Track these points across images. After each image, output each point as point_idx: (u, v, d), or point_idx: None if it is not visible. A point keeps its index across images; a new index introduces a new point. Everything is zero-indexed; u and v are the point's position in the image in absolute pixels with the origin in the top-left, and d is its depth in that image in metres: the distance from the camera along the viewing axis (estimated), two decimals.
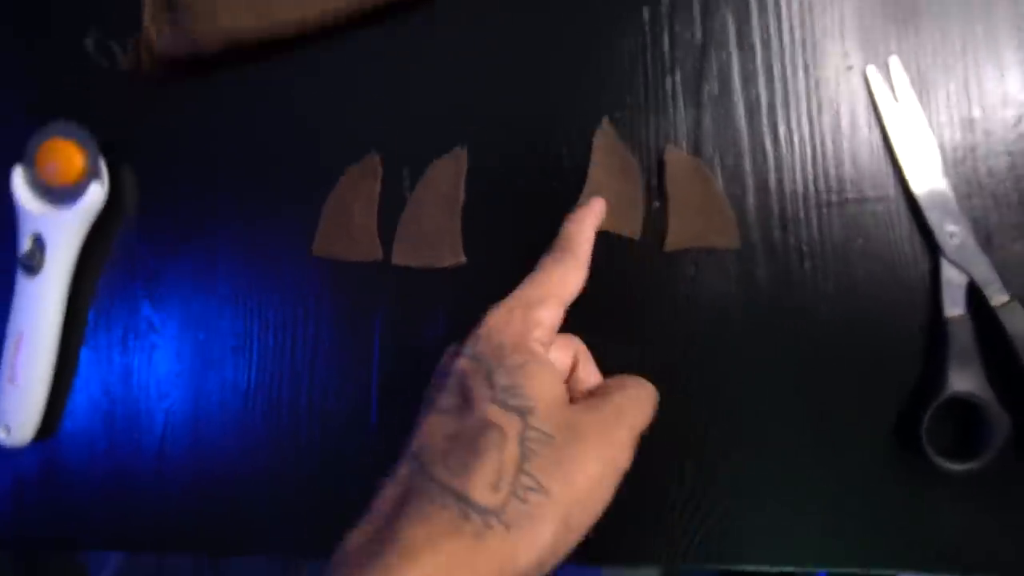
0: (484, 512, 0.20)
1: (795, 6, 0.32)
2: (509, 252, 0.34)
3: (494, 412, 0.22)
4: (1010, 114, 0.31)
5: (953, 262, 0.30)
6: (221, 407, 0.36)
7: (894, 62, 0.32)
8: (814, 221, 0.32)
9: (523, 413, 0.22)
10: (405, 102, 0.35)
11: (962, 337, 0.30)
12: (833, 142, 0.32)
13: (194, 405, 0.36)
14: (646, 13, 0.33)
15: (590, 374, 0.28)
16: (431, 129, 0.35)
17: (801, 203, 0.32)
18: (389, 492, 0.22)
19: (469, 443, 0.21)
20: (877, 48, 0.32)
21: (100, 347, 0.37)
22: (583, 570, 0.31)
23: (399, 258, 0.34)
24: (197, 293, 0.36)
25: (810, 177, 0.32)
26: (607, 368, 0.32)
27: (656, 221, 0.33)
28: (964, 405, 0.30)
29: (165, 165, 0.37)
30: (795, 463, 0.31)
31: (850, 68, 0.32)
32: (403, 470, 0.22)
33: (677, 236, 0.32)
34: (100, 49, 0.35)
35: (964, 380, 0.30)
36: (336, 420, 0.35)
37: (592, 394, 0.26)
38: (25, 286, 0.35)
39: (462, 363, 0.24)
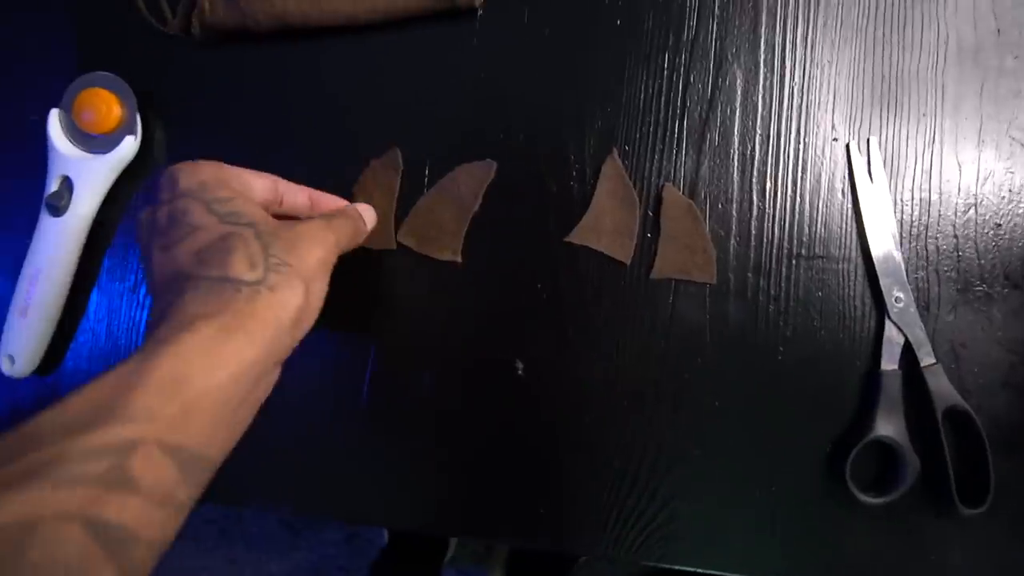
0: (251, 283, 0.25)
1: (797, 76, 0.36)
2: (508, 261, 0.37)
3: (228, 227, 0.26)
4: (961, 202, 0.35)
5: (895, 323, 0.35)
6: None
7: (873, 142, 0.36)
8: (783, 270, 0.36)
9: (251, 225, 0.26)
10: (435, 103, 0.38)
11: (892, 389, 0.34)
12: (810, 203, 0.36)
13: None
14: (666, 59, 0.37)
15: (299, 201, 0.32)
16: (455, 134, 0.37)
17: (775, 253, 0.36)
18: (154, 315, 0.25)
19: (219, 248, 0.25)
20: (861, 126, 0.36)
21: (112, 294, 0.39)
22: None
23: (403, 237, 0.37)
24: None
25: (786, 231, 0.36)
26: (585, 375, 0.36)
27: (646, 250, 0.36)
28: (885, 447, 0.35)
29: (198, 126, 0.38)
30: (737, 481, 0.35)
31: (835, 140, 0.36)
32: (160, 302, 0.25)
33: (663, 266, 0.36)
34: (151, 7, 0.37)
35: (888, 426, 0.34)
36: (325, 398, 0.37)
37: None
38: (48, 225, 0.36)
39: (175, 205, 0.27)
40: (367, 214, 0.34)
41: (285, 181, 0.31)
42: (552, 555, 0.86)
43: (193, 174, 0.27)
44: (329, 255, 0.28)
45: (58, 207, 0.36)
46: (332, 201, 0.34)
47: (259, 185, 0.30)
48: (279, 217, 0.29)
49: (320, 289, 0.27)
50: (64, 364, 0.39)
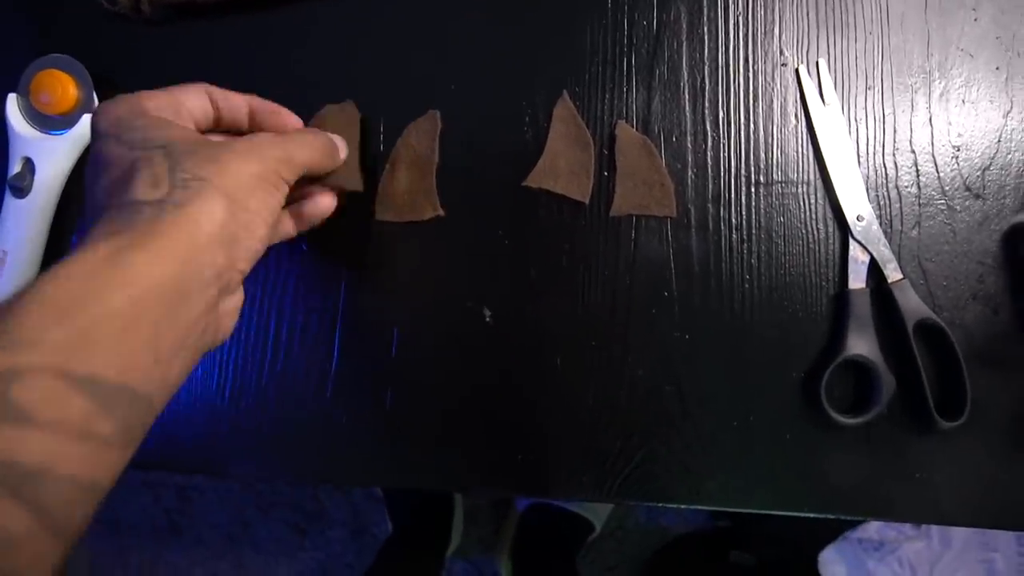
0: (153, 202, 0.24)
1: (741, 4, 0.36)
2: (469, 211, 0.37)
3: (137, 153, 0.25)
4: (917, 118, 0.35)
5: (859, 242, 0.35)
6: None
7: (822, 64, 0.36)
8: (743, 199, 0.36)
9: (162, 147, 0.25)
10: (385, 62, 0.38)
11: (861, 307, 0.34)
12: (764, 129, 0.36)
13: None
14: None
15: (235, 106, 0.31)
16: (406, 92, 0.38)
17: (733, 182, 0.36)
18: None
19: (125, 176, 0.25)
20: (808, 49, 0.36)
21: None
22: None
23: (381, 214, 0.37)
24: None
25: (742, 159, 0.36)
26: (552, 317, 0.36)
27: (604, 188, 0.36)
28: (858, 367, 0.34)
29: None
30: (713, 414, 0.35)
31: (784, 65, 0.36)
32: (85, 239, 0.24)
33: (622, 203, 0.36)
34: None
35: (860, 344, 0.34)
36: (297, 365, 0.38)
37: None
38: (13, 206, 0.37)
39: (93, 148, 0.27)
40: (340, 142, 0.32)
41: (221, 90, 0.30)
42: (558, 539, 0.85)
43: (107, 113, 0.27)
44: (267, 169, 0.26)
45: (21, 188, 0.36)
46: (277, 114, 0.32)
47: (192, 102, 0.28)
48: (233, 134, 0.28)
49: (261, 204, 0.26)
50: None
